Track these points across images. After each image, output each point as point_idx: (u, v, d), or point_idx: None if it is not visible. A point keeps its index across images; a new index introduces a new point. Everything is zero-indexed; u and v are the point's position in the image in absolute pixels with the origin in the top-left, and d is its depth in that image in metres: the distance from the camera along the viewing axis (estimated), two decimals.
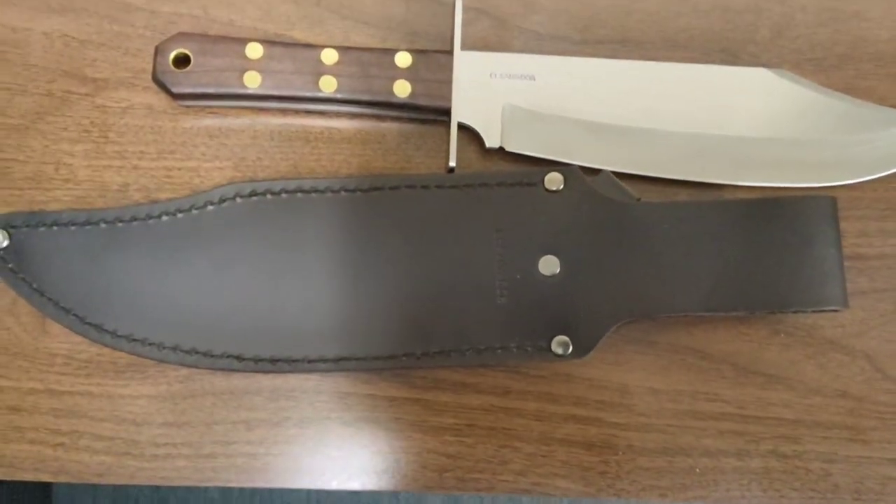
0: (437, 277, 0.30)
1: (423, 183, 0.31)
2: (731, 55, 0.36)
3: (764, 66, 0.35)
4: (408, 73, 0.33)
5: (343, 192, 0.31)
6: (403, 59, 0.33)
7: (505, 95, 0.34)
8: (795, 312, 0.31)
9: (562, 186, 0.31)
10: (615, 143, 0.33)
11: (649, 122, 0.33)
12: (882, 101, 0.35)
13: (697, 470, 0.31)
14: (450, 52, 0.34)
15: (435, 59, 0.34)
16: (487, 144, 0.33)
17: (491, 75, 0.34)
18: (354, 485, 0.31)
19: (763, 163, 0.33)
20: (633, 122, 0.33)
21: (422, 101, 0.33)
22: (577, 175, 0.31)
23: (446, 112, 0.33)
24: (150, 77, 0.32)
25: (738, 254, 0.30)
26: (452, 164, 0.33)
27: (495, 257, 0.30)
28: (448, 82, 0.34)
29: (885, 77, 0.36)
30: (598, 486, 0.31)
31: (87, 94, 0.33)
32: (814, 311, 0.31)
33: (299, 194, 0.31)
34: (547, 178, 0.31)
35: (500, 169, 0.34)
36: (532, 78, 0.34)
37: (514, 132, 0.33)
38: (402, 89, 0.33)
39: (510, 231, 0.31)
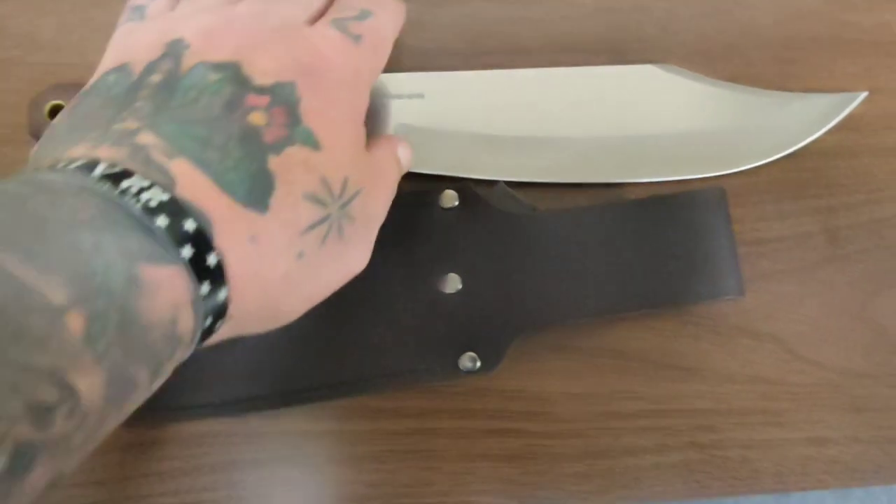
0: (342, 304, 0.30)
1: None
2: (618, 54, 0.36)
3: (651, 62, 0.35)
4: None
5: None
6: None
7: (395, 116, 0.34)
8: (695, 304, 0.32)
9: (457, 203, 0.31)
10: (511, 153, 0.33)
11: (543, 129, 0.34)
12: (770, 85, 0.36)
13: (618, 470, 0.31)
14: None
15: None
16: None
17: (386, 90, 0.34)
18: None
19: (659, 158, 0.34)
20: (527, 130, 0.33)
21: None
22: (470, 191, 0.31)
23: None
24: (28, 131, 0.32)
25: (635, 253, 0.30)
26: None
27: (397, 279, 0.30)
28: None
29: (771, 62, 0.36)
30: (520, 498, 0.31)
31: None
32: (711, 301, 0.31)
33: None
34: (441, 196, 0.31)
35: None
36: (421, 96, 0.34)
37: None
38: None
39: (410, 252, 0.30)
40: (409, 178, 0.33)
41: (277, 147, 0.23)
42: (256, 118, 0.24)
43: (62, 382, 0.18)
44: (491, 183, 0.32)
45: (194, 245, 0.21)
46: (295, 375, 0.30)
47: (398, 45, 0.35)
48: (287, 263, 0.23)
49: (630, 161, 0.33)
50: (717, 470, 0.32)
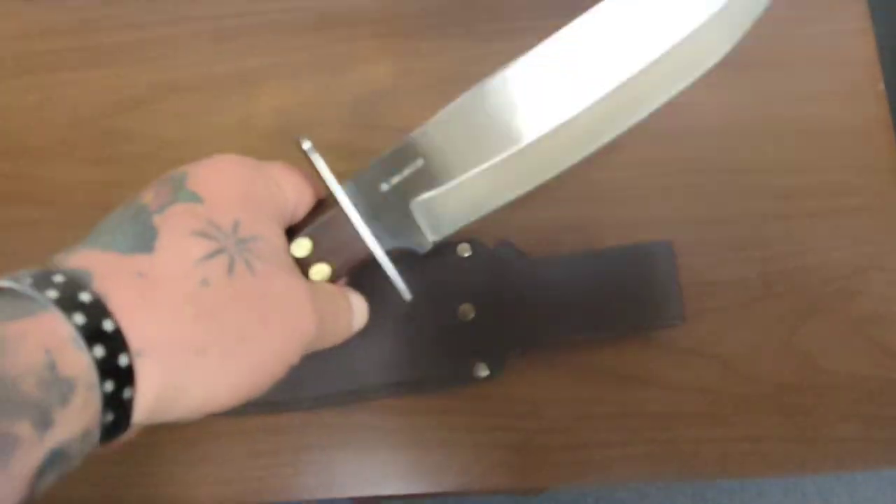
0: (388, 324, 0.41)
1: None
2: None
3: None
4: (315, 257, 0.33)
5: None
6: (303, 247, 0.32)
7: (406, 195, 0.33)
8: (650, 329, 0.41)
9: (469, 253, 0.41)
10: (520, 167, 0.34)
11: (542, 123, 0.33)
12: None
13: (595, 459, 0.41)
14: (335, 205, 0.33)
15: (328, 222, 0.33)
16: (422, 252, 0.35)
17: (382, 185, 0.33)
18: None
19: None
20: (527, 136, 0.33)
21: (344, 273, 0.34)
22: (479, 243, 0.42)
23: (368, 261, 0.33)
24: None
25: (604, 290, 0.40)
26: (408, 297, 0.35)
27: (428, 308, 0.41)
28: (354, 235, 0.32)
29: None
30: (522, 479, 0.41)
31: None
32: (662, 327, 0.41)
33: None
34: (458, 247, 0.42)
35: None
36: (417, 160, 0.34)
37: (435, 222, 0.35)
38: (320, 273, 0.33)
39: (437, 287, 0.41)
40: None
41: (161, 209, 0.27)
42: (146, 198, 0.27)
43: None
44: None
45: (63, 290, 0.22)
46: (353, 378, 0.40)
47: (364, 129, 0.47)
48: (188, 286, 0.25)
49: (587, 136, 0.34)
50: (673, 460, 0.41)
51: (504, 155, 0.33)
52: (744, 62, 0.44)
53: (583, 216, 0.44)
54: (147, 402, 0.24)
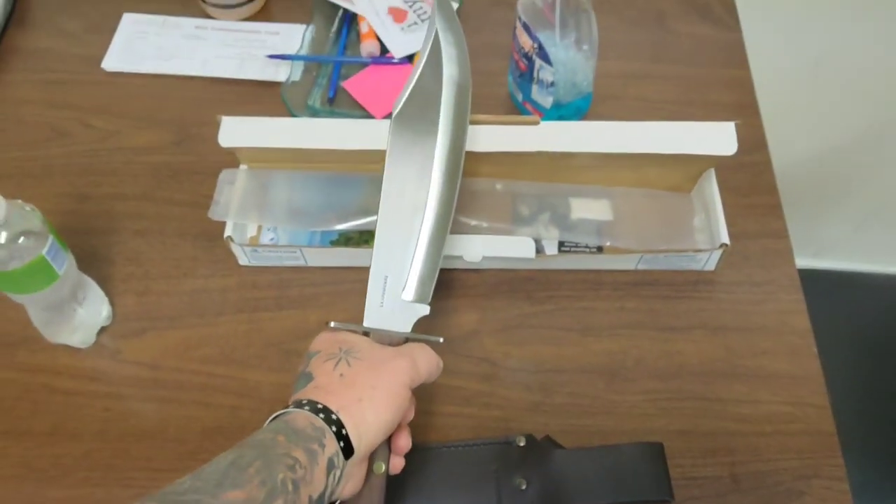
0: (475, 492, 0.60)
1: (449, 445, 0.62)
2: None
3: None
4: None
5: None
6: None
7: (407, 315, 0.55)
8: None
9: (524, 443, 0.61)
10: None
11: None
12: None
13: None
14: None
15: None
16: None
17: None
18: None
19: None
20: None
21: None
22: (533, 438, 0.62)
23: None
24: None
25: (616, 473, 0.59)
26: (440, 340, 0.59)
27: (493, 482, 0.60)
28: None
29: None
30: None
31: None
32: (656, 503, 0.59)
33: None
34: (516, 439, 0.62)
35: (490, 436, 0.64)
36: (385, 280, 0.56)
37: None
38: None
39: (500, 468, 0.61)
40: (497, 426, 0.64)
41: (307, 363, 0.53)
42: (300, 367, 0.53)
43: (292, 456, 0.43)
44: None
45: (295, 404, 0.47)
46: None
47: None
48: (336, 380, 0.49)
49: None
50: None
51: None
52: (719, 327, 0.66)
53: (603, 424, 0.64)
54: (352, 430, 0.47)
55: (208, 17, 0.93)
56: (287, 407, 0.48)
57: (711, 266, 0.71)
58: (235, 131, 0.70)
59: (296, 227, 0.74)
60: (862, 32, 1.05)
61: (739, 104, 0.83)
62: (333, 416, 0.46)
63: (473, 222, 0.71)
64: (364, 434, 0.47)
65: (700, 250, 0.69)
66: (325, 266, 0.74)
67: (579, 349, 0.69)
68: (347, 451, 0.47)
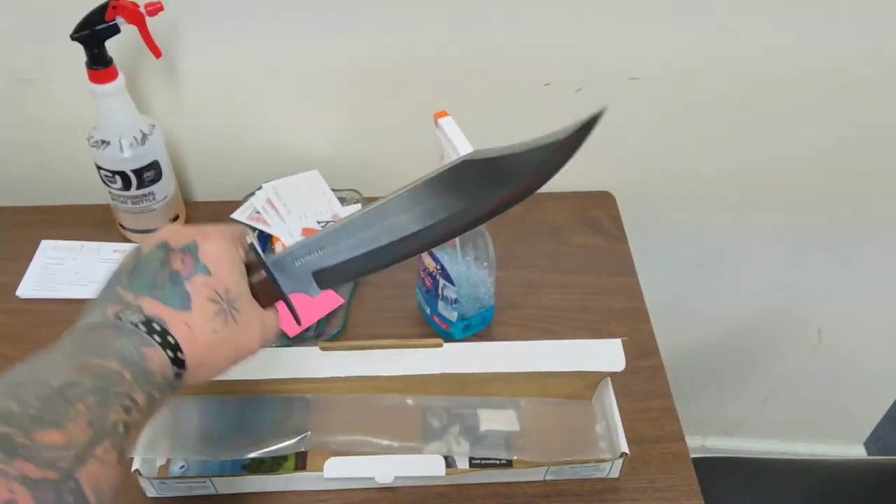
0: None
1: None
2: None
3: None
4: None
5: None
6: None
7: (308, 267, 0.53)
8: None
9: None
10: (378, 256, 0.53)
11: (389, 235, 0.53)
12: None
13: None
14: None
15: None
16: (316, 297, 0.54)
17: (296, 262, 0.53)
18: None
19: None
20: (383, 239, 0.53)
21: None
22: None
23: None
24: None
25: None
26: (300, 323, 0.55)
27: None
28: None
29: None
30: None
31: None
32: None
33: None
34: None
35: None
36: (319, 251, 0.53)
37: (322, 282, 0.55)
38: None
39: None
40: None
41: (189, 277, 0.47)
42: (176, 264, 0.47)
43: (132, 398, 0.41)
44: None
45: (160, 335, 0.44)
46: None
47: None
48: (209, 335, 0.46)
49: None
50: None
51: (372, 247, 0.52)
52: None
53: None
54: (189, 362, 0.46)
55: (127, 241, 0.96)
56: (141, 298, 0.46)
57: (615, 473, 0.74)
58: None
59: (207, 458, 0.74)
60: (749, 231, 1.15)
61: (631, 311, 0.90)
62: (183, 375, 0.46)
63: (385, 442, 0.73)
64: (198, 373, 0.48)
65: (602, 460, 0.72)
66: (236, 493, 0.73)
67: None
68: (177, 376, 0.46)
